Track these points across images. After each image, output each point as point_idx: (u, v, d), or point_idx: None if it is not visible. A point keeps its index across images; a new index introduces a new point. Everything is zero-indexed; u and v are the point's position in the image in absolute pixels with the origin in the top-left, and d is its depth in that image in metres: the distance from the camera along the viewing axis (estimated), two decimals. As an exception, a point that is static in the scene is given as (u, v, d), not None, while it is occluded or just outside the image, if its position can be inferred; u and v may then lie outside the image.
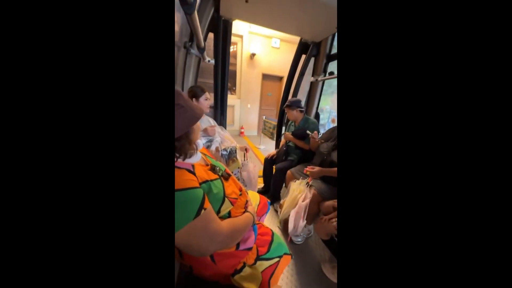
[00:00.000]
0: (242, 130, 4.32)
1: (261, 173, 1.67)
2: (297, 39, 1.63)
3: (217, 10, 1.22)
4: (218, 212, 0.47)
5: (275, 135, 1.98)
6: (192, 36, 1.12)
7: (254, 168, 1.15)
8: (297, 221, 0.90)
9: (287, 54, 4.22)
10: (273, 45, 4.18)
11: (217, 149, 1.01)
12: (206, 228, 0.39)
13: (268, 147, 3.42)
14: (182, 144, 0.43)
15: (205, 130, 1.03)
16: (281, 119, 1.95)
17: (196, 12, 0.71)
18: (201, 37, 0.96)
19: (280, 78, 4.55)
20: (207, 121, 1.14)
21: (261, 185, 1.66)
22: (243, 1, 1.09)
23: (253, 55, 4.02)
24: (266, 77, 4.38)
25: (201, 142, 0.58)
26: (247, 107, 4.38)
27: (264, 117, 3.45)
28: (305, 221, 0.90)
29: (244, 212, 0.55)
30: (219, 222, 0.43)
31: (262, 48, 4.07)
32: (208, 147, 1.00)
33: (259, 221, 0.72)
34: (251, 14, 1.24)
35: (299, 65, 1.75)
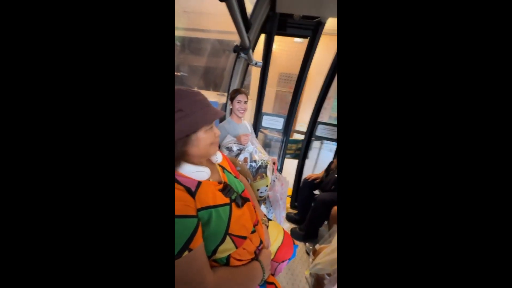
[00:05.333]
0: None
1: (290, 192, 1.43)
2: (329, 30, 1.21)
3: (272, 8, 1.13)
4: (212, 253, 0.37)
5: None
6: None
7: (283, 188, 0.98)
8: None
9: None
10: (296, 40, 2.80)
11: (245, 159, 0.94)
12: (184, 277, 0.30)
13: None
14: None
15: (238, 138, 0.98)
16: (312, 128, 1.52)
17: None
18: (246, 37, 0.90)
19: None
20: (245, 128, 1.09)
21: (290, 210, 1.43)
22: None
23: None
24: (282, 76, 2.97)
25: (219, 155, 0.49)
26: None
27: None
28: None
29: (251, 260, 0.42)
30: (207, 271, 0.33)
31: (280, 43, 2.60)
32: (237, 155, 0.94)
33: (273, 274, 0.54)
34: (309, 4, 1.06)
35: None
